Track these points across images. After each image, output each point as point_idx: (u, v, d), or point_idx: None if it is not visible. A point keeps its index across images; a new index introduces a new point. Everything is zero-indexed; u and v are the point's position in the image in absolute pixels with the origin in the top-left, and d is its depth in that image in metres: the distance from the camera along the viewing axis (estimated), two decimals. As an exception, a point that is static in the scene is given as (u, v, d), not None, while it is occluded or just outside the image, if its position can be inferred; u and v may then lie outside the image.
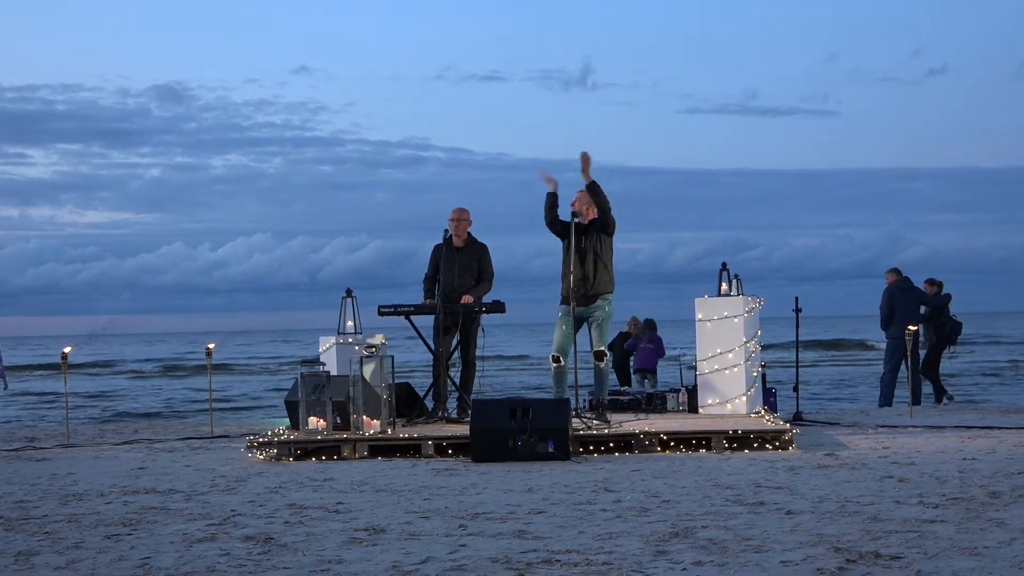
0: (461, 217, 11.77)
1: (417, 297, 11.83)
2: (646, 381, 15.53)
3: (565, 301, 11.06)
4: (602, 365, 11.05)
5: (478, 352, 11.74)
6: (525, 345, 60.59)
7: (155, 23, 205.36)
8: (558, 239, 11.25)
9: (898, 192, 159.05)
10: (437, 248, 11.85)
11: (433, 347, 11.56)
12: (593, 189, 11.03)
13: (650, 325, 16.13)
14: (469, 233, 11.82)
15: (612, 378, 15.75)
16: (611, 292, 11.14)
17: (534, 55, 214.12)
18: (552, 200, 11.16)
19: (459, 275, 11.58)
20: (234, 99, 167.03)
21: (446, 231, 11.76)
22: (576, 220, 11.01)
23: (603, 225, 11.09)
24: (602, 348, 11.03)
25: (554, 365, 11.11)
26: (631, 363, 16.27)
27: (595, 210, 11.08)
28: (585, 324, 11.14)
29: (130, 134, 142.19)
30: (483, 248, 11.83)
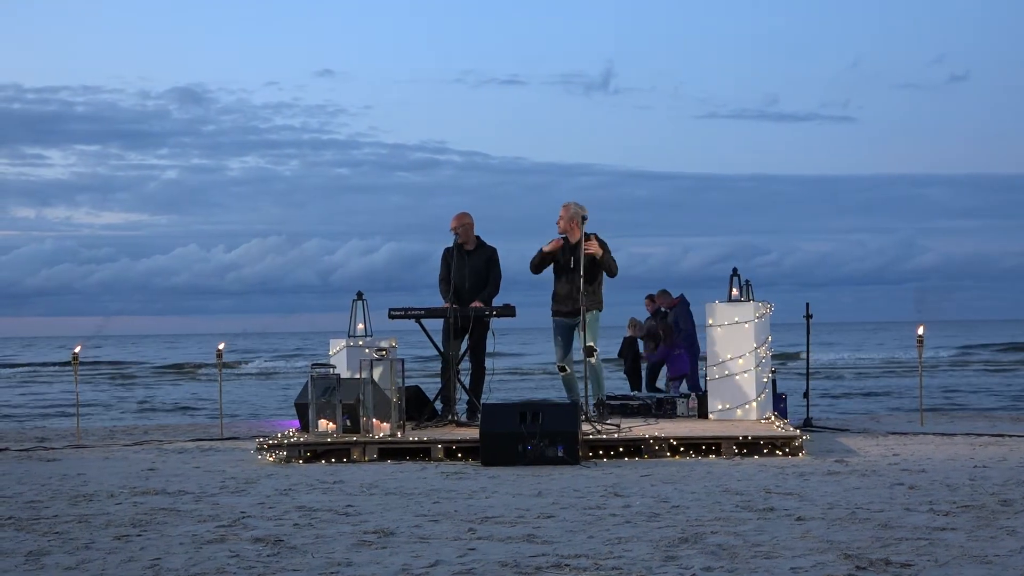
0: (464, 222, 11.77)
1: (429, 300, 11.86)
2: (679, 385, 15.28)
3: (556, 314, 11.62)
4: (593, 361, 11.33)
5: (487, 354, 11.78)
6: (536, 349, 60.56)
7: (178, 26, 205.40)
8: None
9: (913, 198, 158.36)
10: (448, 251, 11.87)
11: (442, 351, 11.58)
12: (603, 258, 11.32)
13: (670, 329, 15.85)
14: (478, 236, 11.85)
15: (617, 381, 15.72)
16: (599, 310, 11.57)
17: (556, 59, 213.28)
18: (546, 259, 11.48)
19: (470, 278, 11.63)
20: (253, 102, 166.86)
21: (456, 235, 11.79)
22: (564, 236, 11.39)
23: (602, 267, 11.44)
24: (591, 344, 11.30)
25: (562, 374, 11.74)
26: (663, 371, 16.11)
27: (580, 232, 11.32)
28: (575, 330, 11.54)
29: (148, 136, 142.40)
30: (492, 251, 11.87)
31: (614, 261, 11.45)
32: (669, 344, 15.27)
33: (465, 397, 11.81)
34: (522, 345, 64.92)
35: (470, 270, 11.66)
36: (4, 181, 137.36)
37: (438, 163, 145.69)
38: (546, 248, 11.44)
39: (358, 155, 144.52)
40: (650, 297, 16.10)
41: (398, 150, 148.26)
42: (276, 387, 34.67)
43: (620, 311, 16.10)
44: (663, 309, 15.83)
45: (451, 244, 11.83)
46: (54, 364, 52.24)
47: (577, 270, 11.18)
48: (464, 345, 11.61)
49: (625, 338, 16.08)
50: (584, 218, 11.30)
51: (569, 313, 11.41)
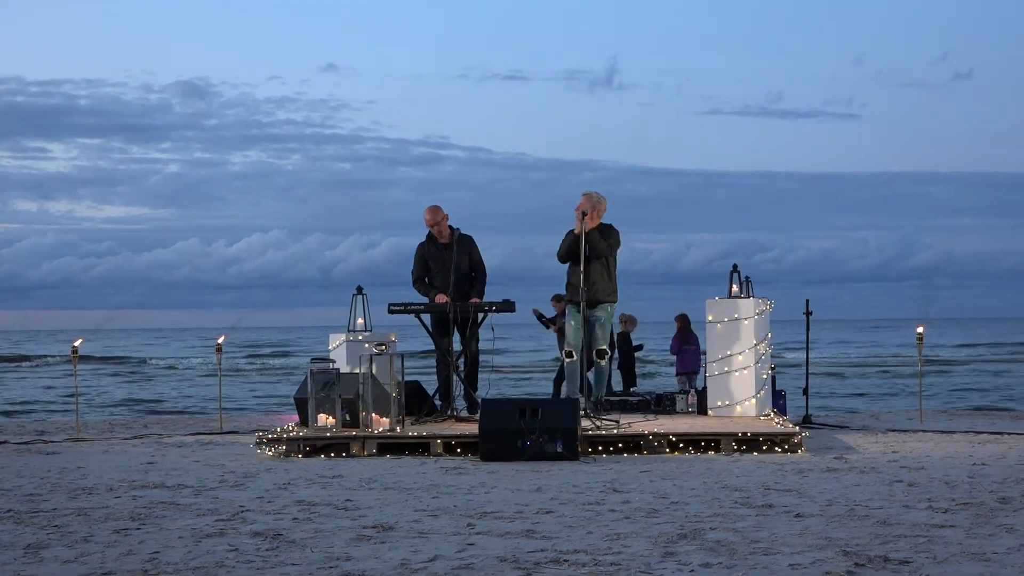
0: (437, 219, 11.62)
1: (421, 297, 11.78)
2: (687, 381, 15.17)
3: (569, 304, 11.45)
4: (603, 363, 11.35)
5: (483, 348, 11.77)
6: (537, 345, 60.53)
7: (181, 20, 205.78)
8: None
9: (915, 196, 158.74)
10: (422, 247, 11.77)
11: (435, 345, 11.59)
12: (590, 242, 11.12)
13: (687, 323, 15.56)
14: (450, 227, 11.74)
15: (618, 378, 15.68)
16: (614, 303, 11.47)
17: (559, 55, 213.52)
18: (572, 242, 11.22)
19: (454, 272, 11.45)
20: (256, 96, 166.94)
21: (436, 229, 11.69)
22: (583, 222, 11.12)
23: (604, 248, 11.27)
24: (603, 347, 11.32)
25: (567, 360, 11.43)
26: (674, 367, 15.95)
27: (599, 218, 11.26)
28: (586, 323, 11.31)
29: (151, 129, 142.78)
30: (470, 240, 11.73)
31: (607, 244, 11.28)
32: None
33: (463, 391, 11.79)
34: (521, 341, 64.88)
35: (451, 264, 11.51)
36: (6, 174, 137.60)
37: (441, 158, 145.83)
38: (576, 230, 11.18)
39: (361, 150, 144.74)
40: (557, 297, 15.72)
41: (401, 145, 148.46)
42: (264, 382, 34.68)
43: (627, 308, 16.10)
44: None
45: (425, 239, 11.73)
46: (52, 357, 52.23)
47: (592, 259, 11.09)
48: (457, 339, 11.57)
49: (618, 334, 16.04)
50: (584, 214, 11.21)
51: (586, 303, 11.08)
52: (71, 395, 27.25)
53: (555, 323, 14.29)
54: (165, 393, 29.96)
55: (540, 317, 14.36)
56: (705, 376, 11.89)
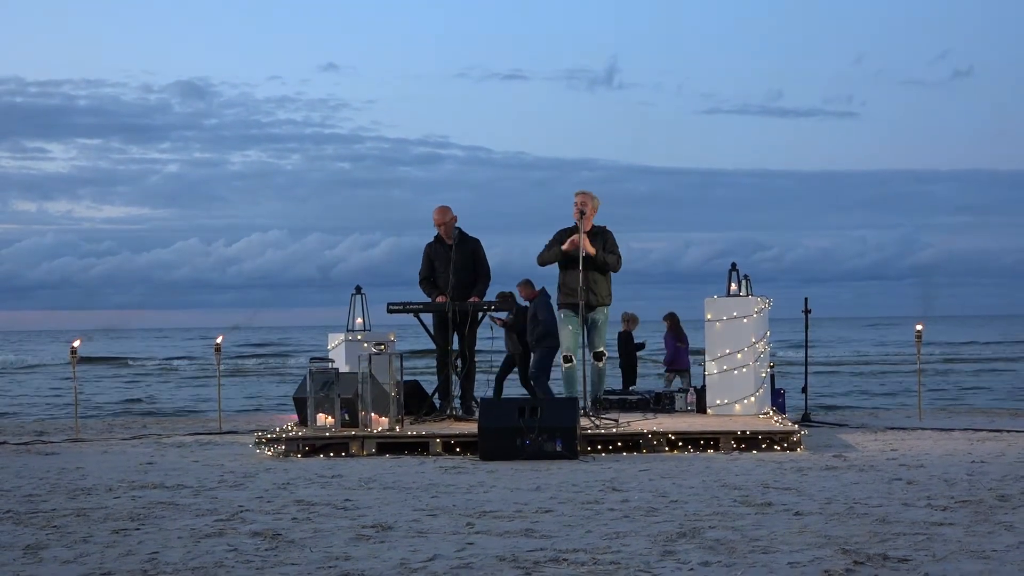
0: (445, 219, 11.63)
1: (422, 296, 11.78)
2: (677, 379, 15.19)
3: (563, 307, 11.45)
4: (600, 365, 11.36)
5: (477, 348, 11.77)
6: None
7: (181, 20, 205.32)
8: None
9: (915, 194, 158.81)
10: (429, 247, 11.78)
11: (435, 344, 11.59)
12: (598, 256, 11.15)
13: (677, 321, 15.57)
14: (458, 228, 11.75)
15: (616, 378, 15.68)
16: (609, 305, 11.46)
17: (559, 54, 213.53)
18: (560, 256, 11.29)
19: (456, 273, 11.47)
20: (256, 96, 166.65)
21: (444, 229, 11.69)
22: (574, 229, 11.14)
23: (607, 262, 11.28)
24: (601, 349, 11.36)
25: (566, 365, 11.37)
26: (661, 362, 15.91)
27: (592, 219, 11.24)
28: (585, 326, 11.32)
29: (150, 129, 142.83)
30: (475, 243, 11.74)
31: (616, 257, 11.33)
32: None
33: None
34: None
35: (455, 265, 11.52)
36: (5, 174, 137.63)
37: (440, 158, 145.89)
38: (565, 247, 11.18)
39: (360, 149, 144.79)
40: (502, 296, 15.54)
41: (400, 145, 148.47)
42: (263, 382, 34.66)
43: (619, 305, 16.07)
44: (525, 301, 15.48)
45: (432, 240, 11.74)
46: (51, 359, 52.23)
47: (588, 262, 11.07)
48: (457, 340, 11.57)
49: (620, 333, 16.04)
50: (582, 213, 11.19)
51: (578, 306, 11.10)
52: (70, 395, 27.30)
53: (501, 320, 14.32)
54: (163, 393, 29.95)
55: (493, 319, 14.38)
56: (704, 375, 11.90)
